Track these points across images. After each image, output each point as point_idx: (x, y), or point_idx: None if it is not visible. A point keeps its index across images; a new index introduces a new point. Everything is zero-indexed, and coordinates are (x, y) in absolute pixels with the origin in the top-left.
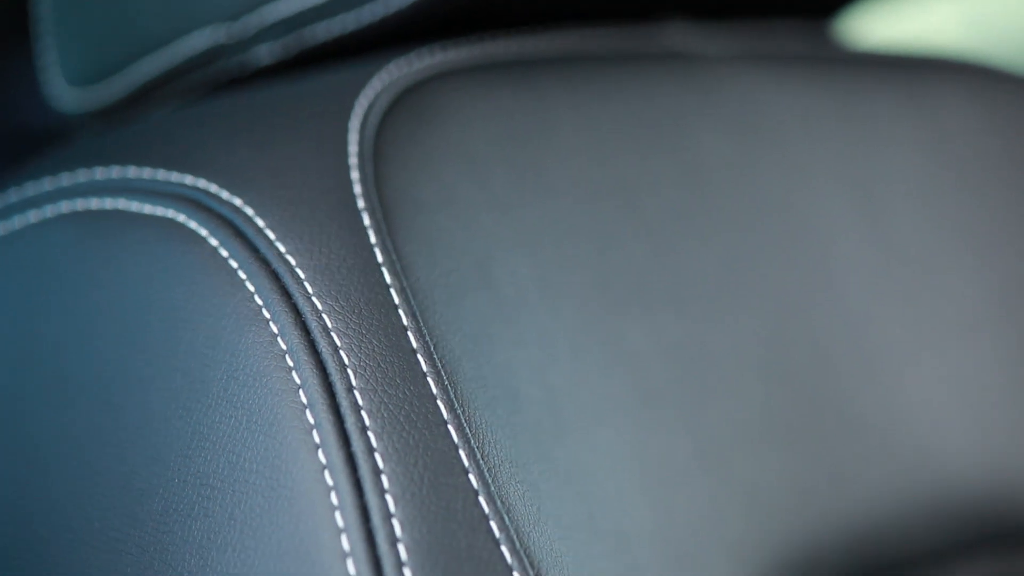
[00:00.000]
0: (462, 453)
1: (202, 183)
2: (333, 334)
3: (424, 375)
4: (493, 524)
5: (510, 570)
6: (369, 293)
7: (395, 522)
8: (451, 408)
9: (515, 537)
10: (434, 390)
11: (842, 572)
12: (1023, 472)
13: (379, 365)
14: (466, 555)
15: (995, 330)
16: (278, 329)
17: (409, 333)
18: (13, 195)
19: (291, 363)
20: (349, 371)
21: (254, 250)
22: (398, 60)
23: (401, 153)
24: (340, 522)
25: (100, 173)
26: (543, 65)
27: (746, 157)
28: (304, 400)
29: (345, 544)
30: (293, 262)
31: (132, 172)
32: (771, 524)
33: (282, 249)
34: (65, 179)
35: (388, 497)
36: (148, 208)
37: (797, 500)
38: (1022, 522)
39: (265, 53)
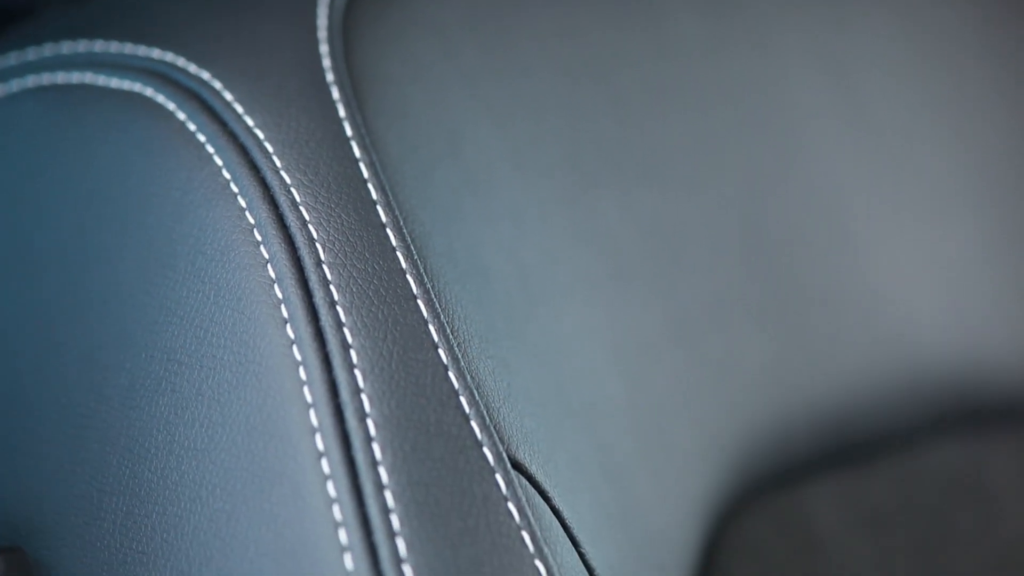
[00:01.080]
0: (431, 328)
1: (169, 56)
2: (302, 208)
3: (393, 249)
4: (463, 399)
5: (479, 445)
6: (338, 167)
7: (364, 397)
8: (420, 283)
9: (485, 412)
10: (403, 265)
11: (813, 449)
12: (996, 350)
13: (348, 239)
14: (435, 430)
15: (971, 208)
16: (246, 203)
17: (378, 207)
18: None
19: (259, 237)
20: (318, 245)
21: (222, 124)
22: None
23: (371, 27)
24: (308, 397)
25: (67, 47)
26: None
27: (720, 33)
28: (272, 275)
29: (313, 419)
30: (261, 136)
31: (99, 46)
32: (742, 400)
33: (250, 123)
34: (31, 54)
35: (357, 372)
36: (115, 82)
37: (769, 376)
38: (995, 400)
39: None
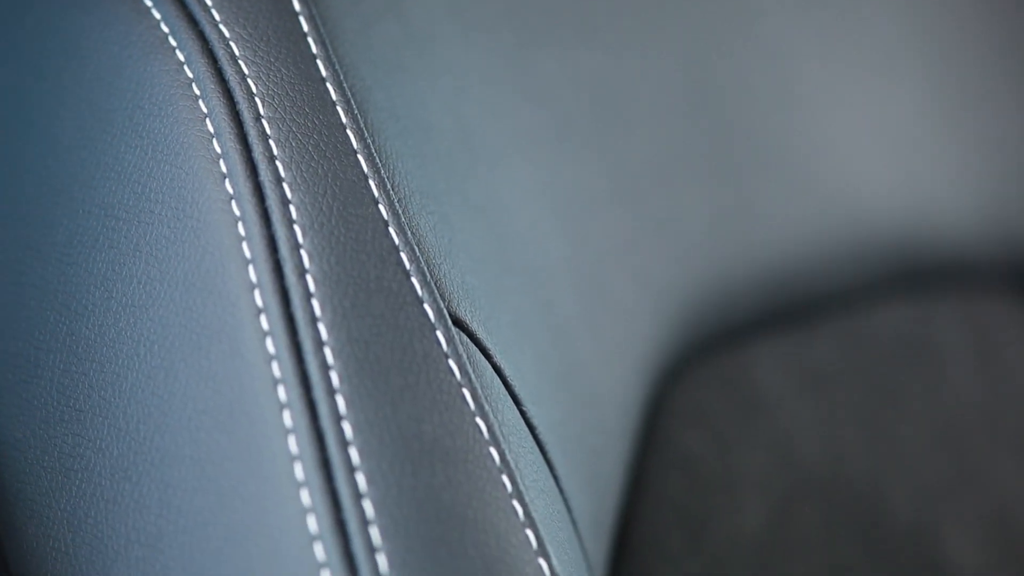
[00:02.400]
0: (372, 183)
1: None
2: (241, 62)
3: (333, 104)
4: (403, 255)
5: (420, 302)
6: (278, 21)
7: (303, 253)
8: (361, 138)
9: (425, 269)
10: (344, 119)
11: (757, 309)
12: (942, 210)
13: (288, 94)
14: (375, 286)
15: (919, 69)
16: (184, 57)
17: (318, 61)
18: None
19: (198, 92)
20: (257, 100)
21: None
22: None
23: None
24: (247, 253)
25: None
26: None
27: None
28: (211, 129)
29: (252, 275)
30: None
31: None
32: (685, 259)
33: None
34: None
35: (296, 228)
36: None
37: (712, 234)
38: (941, 260)
39: None
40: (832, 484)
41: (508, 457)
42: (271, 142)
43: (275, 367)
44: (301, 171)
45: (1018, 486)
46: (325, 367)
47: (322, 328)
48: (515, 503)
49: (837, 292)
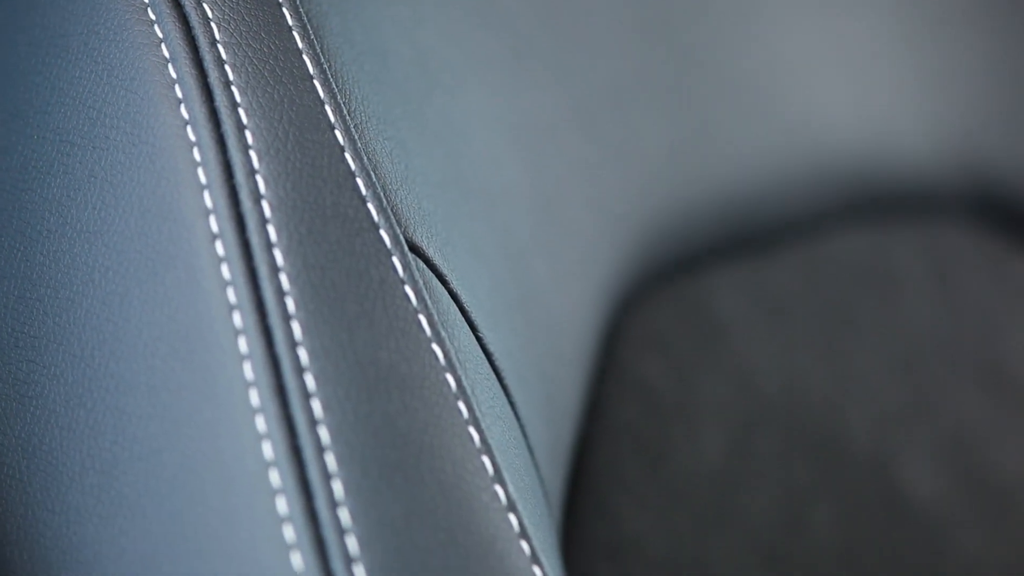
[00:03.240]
0: (328, 109)
1: None
2: None
3: (289, 28)
4: (359, 181)
5: (376, 228)
6: None
7: (259, 178)
8: (317, 63)
9: (381, 194)
10: (300, 44)
11: (715, 236)
12: (902, 137)
13: (243, 18)
14: (331, 212)
15: None
16: None
17: None
18: None
19: (153, 16)
20: (212, 24)
21: None
22: None
23: None
24: (203, 178)
25: None
26: None
27: None
28: (166, 54)
29: (208, 200)
30: None
31: None
32: (643, 185)
33: None
34: None
35: (252, 153)
36: None
37: (671, 160)
38: (900, 188)
39: None
40: (790, 411)
41: (464, 383)
42: (227, 67)
43: (230, 293)
44: (257, 96)
45: (976, 413)
46: (281, 293)
47: (278, 254)
48: (471, 429)
49: (796, 219)
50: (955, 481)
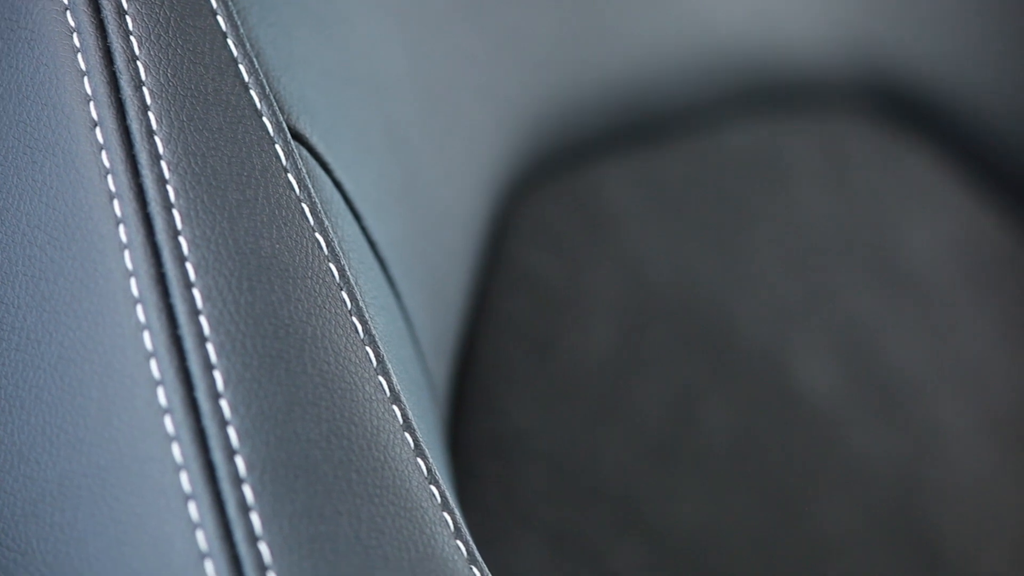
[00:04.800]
0: None
1: None
2: None
3: None
4: (242, 68)
5: (258, 115)
6: None
7: (139, 65)
8: None
9: (264, 81)
10: None
11: (605, 127)
12: (796, 27)
13: None
14: (213, 99)
15: None
16: None
17: None
18: None
19: None
20: None
21: None
22: None
23: None
24: (82, 64)
25: None
26: None
27: None
28: None
29: (87, 87)
30: None
31: None
32: (532, 74)
33: None
34: None
35: (132, 39)
36: None
37: (560, 49)
38: (793, 80)
39: None
40: (681, 305)
41: (348, 273)
42: None
43: (110, 181)
44: None
45: (869, 308)
46: (161, 181)
47: (158, 141)
48: (354, 320)
49: (688, 109)
50: (848, 376)
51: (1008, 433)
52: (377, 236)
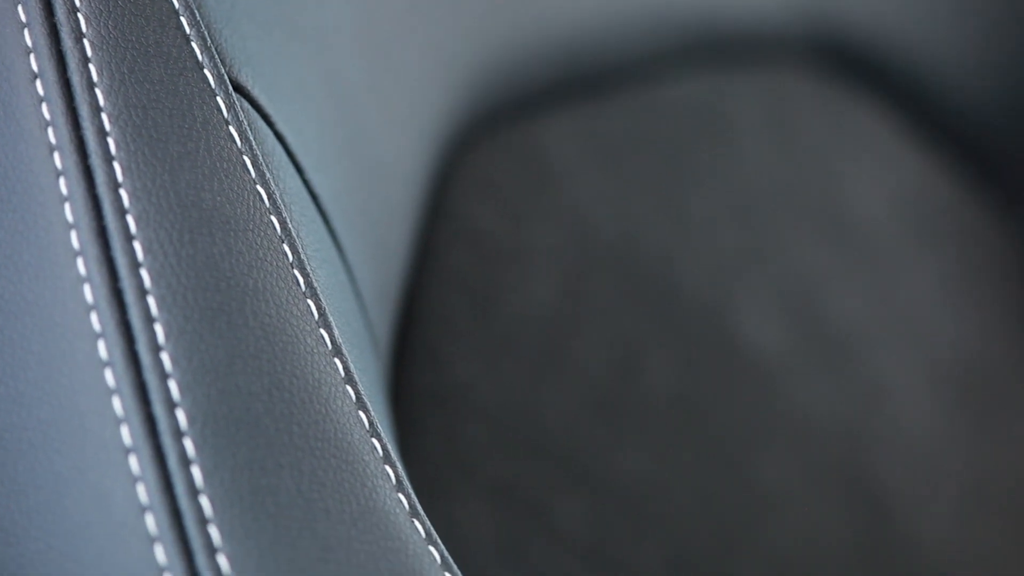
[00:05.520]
0: None
1: None
2: None
3: None
4: (183, 20)
5: (200, 67)
6: None
7: (80, 16)
8: None
9: (206, 33)
10: None
11: (549, 80)
12: None
13: None
14: (154, 51)
15: None
16: None
17: None
18: None
19: None
20: None
21: None
22: None
23: None
24: (23, 16)
25: None
26: None
27: None
28: None
29: (27, 39)
30: None
31: None
32: (475, 27)
33: None
34: None
35: None
36: None
37: (504, 3)
38: (738, 32)
39: None
40: (625, 258)
41: (290, 226)
42: None
43: (51, 133)
44: None
45: (813, 262)
46: (102, 133)
47: (99, 93)
48: (296, 272)
49: (631, 63)
50: (792, 329)
51: (951, 386)
52: (319, 189)
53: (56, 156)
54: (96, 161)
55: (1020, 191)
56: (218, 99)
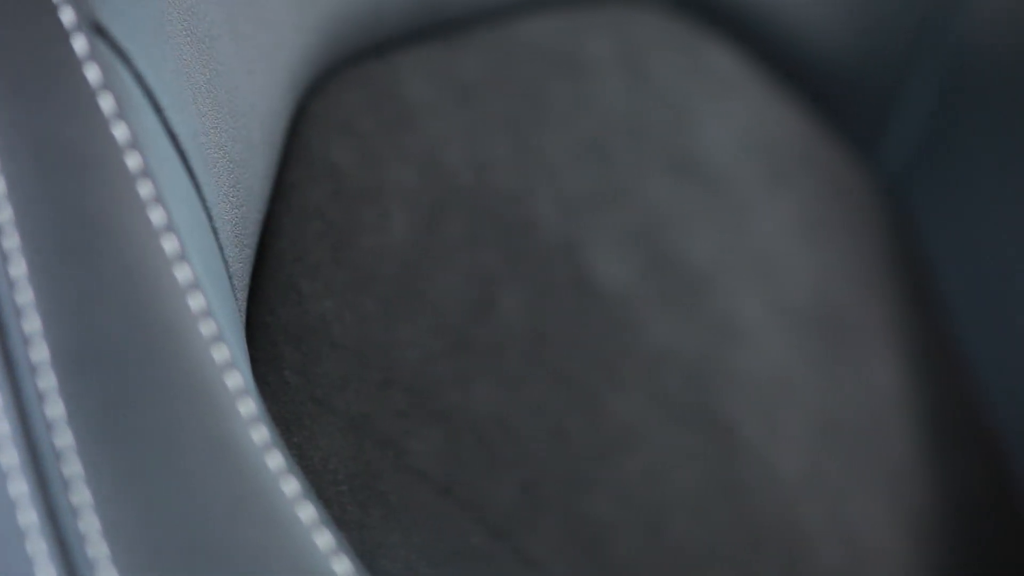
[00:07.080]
0: None
1: None
2: None
3: None
4: None
5: (56, 8)
6: None
7: None
8: None
9: None
10: None
11: (405, 20)
12: None
13: None
14: None
15: None
16: None
17: None
18: None
19: None
20: None
21: None
22: None
23: None
24: None
25: None
26: None
27: None
28: None
29: None
30: None
31: None
32: None
33: None
34: None
35: None
36: None
37: None
38: None
39: None
40: (478, 195)
41: (147, 164)
42: None
43: None
44: None
45: (664, 200)
46: None
47: None
48: (153, 210)
49: (486, 3)
50: (644, 268)
51: (803, 323)
52: (178, 128)
53: None
54: None
55: (873, 132)
56: (75, 38)
